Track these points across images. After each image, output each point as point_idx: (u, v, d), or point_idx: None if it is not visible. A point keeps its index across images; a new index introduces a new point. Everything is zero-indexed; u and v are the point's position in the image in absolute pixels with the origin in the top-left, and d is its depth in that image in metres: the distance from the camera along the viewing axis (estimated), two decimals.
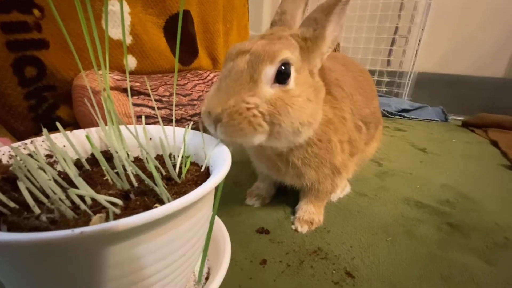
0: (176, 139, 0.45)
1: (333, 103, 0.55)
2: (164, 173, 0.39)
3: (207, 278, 0.43)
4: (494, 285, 0.49)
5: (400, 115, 1.74)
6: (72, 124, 0.88)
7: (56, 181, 0.31)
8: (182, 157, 0.42)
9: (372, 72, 1.99)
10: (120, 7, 0.39)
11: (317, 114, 0.50)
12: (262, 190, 0.71)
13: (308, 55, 0.47)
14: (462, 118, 1.69)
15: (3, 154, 0.36)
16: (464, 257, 0.55)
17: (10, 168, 0.33)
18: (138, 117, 0.79)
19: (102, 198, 0.27)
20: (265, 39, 0.47)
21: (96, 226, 0.21)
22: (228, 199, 0.70)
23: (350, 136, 0.58)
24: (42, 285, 0.25)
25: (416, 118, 1.72)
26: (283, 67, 0.43)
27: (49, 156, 0.41)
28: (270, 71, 0.43)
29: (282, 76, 0.44)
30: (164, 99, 0.92)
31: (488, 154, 1.17)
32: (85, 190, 0.27)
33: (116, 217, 0.27)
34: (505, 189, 0.86)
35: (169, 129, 0.46)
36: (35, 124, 0.83)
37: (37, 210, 0.27)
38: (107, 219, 0.26)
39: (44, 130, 0.35)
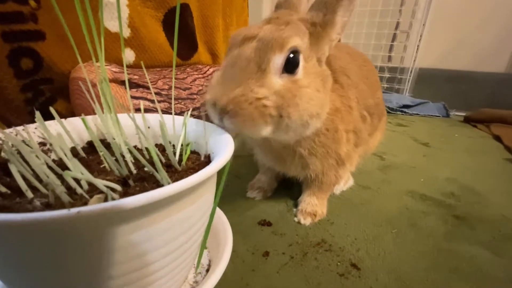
0: (176, 127, 0.43)
1: (340, 91, 0.53)
2: (163, 161, 0.38)
3: (208, 270, 0.42)
4: (503, 276, 0.47)
5: (402, 111, 1.73)
6: (70, 117, 0.87)
7: (50, 167, 0.30)
8: (182, 144, 0.40)
9: None
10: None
11: (326, 104, 0.48)
12: (264, 182, 0.70)
13: (317, 42, 0.45)
14: (463, 114, 1.68)
15: None
16: (471, 248, 0.54)
17: (2, 154, 0.32)
18: (137, 110, 0.78)
19: (99, 182, 0.26)
20: (272, 24, 0.44)
21: (95, 205, 0.19)
22: (230, 192, 0.69)
23: (356, 126, 0.57)
24: (35, 271, 0.24)
25: (417, 114, 1.71)
26: (293, 56, 0.41)
27: (42, 144, 0.40)
28: (279, 60, 0.40)
29: (290, 65, 0.41)
30: (163, 92, 0.91)
31: (492, 149, 1.16)
32: (82, 172, 0.25)
33: None
34: (510, 182, 0.84)
35: (168, 118, 0.44)
36: (32, 118, 0.81)
37: (30, 195, 0.25)
38: (105, 201, 0.24)
39: (37, 114, 0.34)
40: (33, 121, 0.92)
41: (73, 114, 0.87)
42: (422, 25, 1.77)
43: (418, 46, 1.82)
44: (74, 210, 0.19)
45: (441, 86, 1.92)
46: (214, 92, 0.41)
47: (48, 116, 0.40)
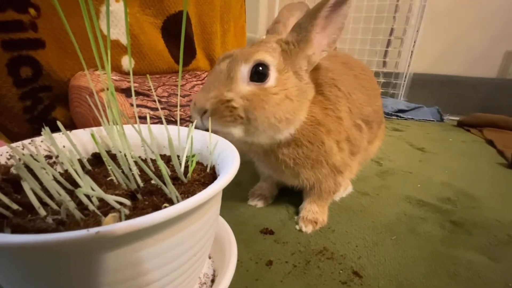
0: (180, 138, 0.44)
1: (324, 104, 0.55)
2: (169, 173, 0.38)
3: (212, 281, 0.42)
4: (500, 281, 0.49)
5: (397, 116, 1.75)
6: (69, 125, 0.87)
7: (58, 182, 0.30)
8: (187, 156, 0.41)
9: None
10: (124, 6, 0.38)
11: (298, 112, 0.51)
12: (265, 190, 0.70)
13: (291, 57, 0.50)
14: (457, 118, 1.71)
15: (1, 154, 0.35)
16: (468, 254, 0.55)
17: (12, 169, 0.32)
18: (137, 118, 0.78)
19: (110, 198, 0.26)
20: (253, 47, 0.51)
21: (115, 225, 0.20)
22: (230, 200, 0.70)
23: (349, 135, 0.58)
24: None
25: (412, 118, 1.74)
26: (260, 68, 0.47)
27: (48, 157, 0.40)
28: (244, 69, 0.47)
29: (259, 76, 0.47)
30: (162, 99, 0.91)
31: (485, 153, 1.19)
32: (93, 189, 0.26)
33: (126, 217, 0.26)
34: (504, 186, 0.87)
35: (170, 128, 0.45)
36: (31, 126, 0.81)
37: (42, 212, 0.26)
38: (119, 219, 0.25)
39: (46, 129, 0.34)
40: (31, 129, 0.91)
41: (71, 122, 0.87)
42: (415, 31, 1.81)
43: (412, 51, 1.86)
44: (93, 230, 0.19)
45: (435, 91, 1.96)
46: (195, 97, 0.49)
47: (47, 124, 0.40)
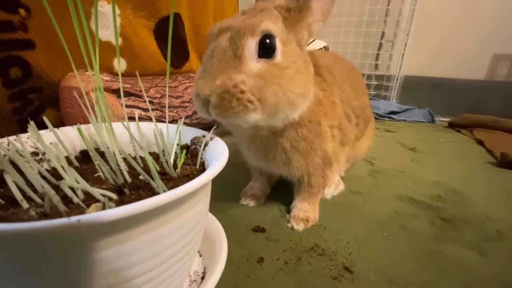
0: (170, 135, 0.44)
1: (322, 85, 0.54)
2: (158, 169, 0.38)
3: (203, 278, 0.42)
4: (488, 276, 0.49)
5: (389, 117, 1.77)
6: (59, 127, 0.86)
7: (43, 177, 0.30)
8: (176, 152, 0.41)
9: None
10: (112, 7, 0.39)
11: (310, 85, 0.48)
12: (257, 189, 0.70)
13: (294, 25, 0.46)
14: (448, 119, 1.74)
15: None
16: (458, 249, 0.56)
17: None
18: (129, 118, 0.77)
19: (96, 191, 0.26)
20: (247, 14, 0.46)
21: (97, 213, 0.20)
22: (223, 199, 0.69)
23: (340, 122, 0.58)
24: (23, 281, 0.23)
25: (404, 120, 1.76)
26: (267, 40, 0.42)
27: (34, 153, 0.39)
28: (252, 44, 0.41)
29: (267, 50, 0.42)
30: (155, 100, 0.91)
31: (475, 153, 1.21)
32: (78, 181, 0.26)
33: None
34: (493, 184, 0.88)
35: (161, 125, 0.45)
36: (20, 127, 0.80)
37: (25, 205, 0.25)
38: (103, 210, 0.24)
39: (32, 125, 0.34)
40: (20, 130, 0.90)
41: (62, 123, 0.86)
42: (406, 34, 1.85)
43: (403, 54, 1.89)
44: (74, 218, 0.19)
45: (426, 93, 1.99)
46: (197, 85, 0.42)
47: (37, 125, 0.40)
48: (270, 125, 0.49)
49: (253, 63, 0.42)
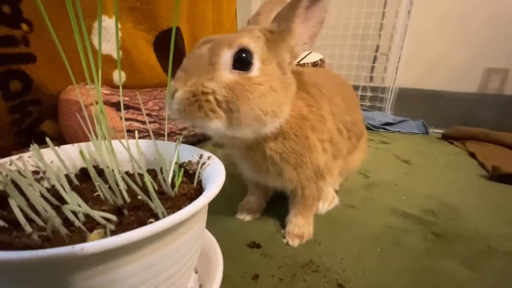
0: (168, 153, 0.45)
1: (309, 101, 0.56)
2: (156, 188, 0.39)
3: None
4: None
5: (384, 128, 1.80)
6: (57, 139, 0.86)
7: (45, 198, 0.31)
8: (174, 171, 0.42)
9: (356, 87, 2.07)
10: (115, 22, 0.40)
11: (283, 105, 0.50)
12: (253, 204, 0.71)
13: (275, 47, 0.48)
14: (441, 131, 1.77)
15: None
16: (450, 265, 0.57)
17: None
18: (127, 131, 0.78)
19: (96, 214, 0.27)
20: (235, 33, 0.48)
21: (100, 241, 0.21)
22: (219, 213, 0.70)
23: (332, 137, 0.59)
24: None
25: (399, 131, 1.79)
26: (243, 54, 0.44)
27: (35, 172, 0.40)
28: (227, 54, 0.44)
29: (242, 63, 0.44)
30: (153, 113, 0.92)
31: (467, 165, 1.23)
32: (80, 205, 0.27)
33: (111, 233, 0.27)
34: (484, 198, 0.90)
35: (159, 143, 0.46)
36: (18, 139, 0.81)
37: (28, 229, 0.26)
38: (104, 235, 0.25)
39: (34, 146, 0.34)
40: (19, 142, 0.90)
41: (60, 135, 0.87)
42: (400, 48, 1.89)
43: (397, 67, 1.94)
44: (78, 247, 0.20)
45: (419, 105, 2.03)
46: (173, 80, 0.44)
47: (35, 137, 0.41)
48: (240, 137, 0.50)
49: (226, 73, 0.44)
